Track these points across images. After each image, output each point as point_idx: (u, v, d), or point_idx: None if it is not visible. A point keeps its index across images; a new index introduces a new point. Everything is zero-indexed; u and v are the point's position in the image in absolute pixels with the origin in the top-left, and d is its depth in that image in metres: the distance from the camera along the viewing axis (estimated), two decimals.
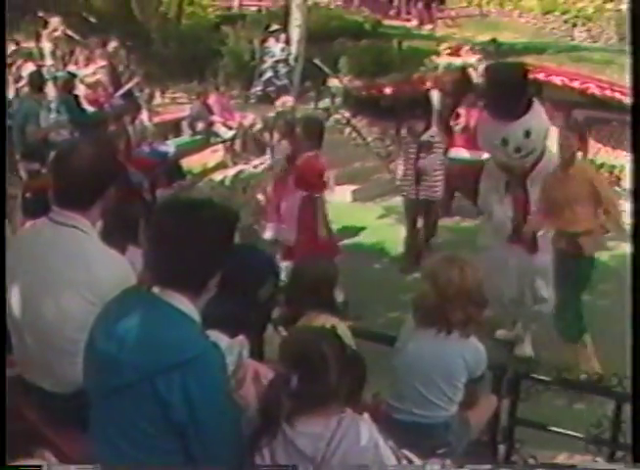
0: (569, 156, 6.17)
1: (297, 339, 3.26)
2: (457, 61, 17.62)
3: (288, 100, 15.31)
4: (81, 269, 3.18)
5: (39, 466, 2.71)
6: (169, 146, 12.58)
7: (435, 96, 15.01)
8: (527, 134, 6.00)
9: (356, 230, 11.29)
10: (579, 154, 6.62)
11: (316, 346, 2.95)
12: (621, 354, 7.31)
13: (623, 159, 13.65)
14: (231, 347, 3.13)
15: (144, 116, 13.50)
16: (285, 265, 7.76)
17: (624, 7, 30.94)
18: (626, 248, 11.58)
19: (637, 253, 2.82)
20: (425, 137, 9.71)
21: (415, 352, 4.02)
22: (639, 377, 2.69)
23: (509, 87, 5.90)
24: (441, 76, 16.54)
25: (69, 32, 15.82)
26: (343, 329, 4.01)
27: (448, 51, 17.65)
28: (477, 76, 17.41)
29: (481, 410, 4.39)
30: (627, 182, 13.35)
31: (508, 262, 6.97)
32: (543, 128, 6.17)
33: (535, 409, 5.06)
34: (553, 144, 6.41)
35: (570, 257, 6.41)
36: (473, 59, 17.82)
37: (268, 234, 9.42)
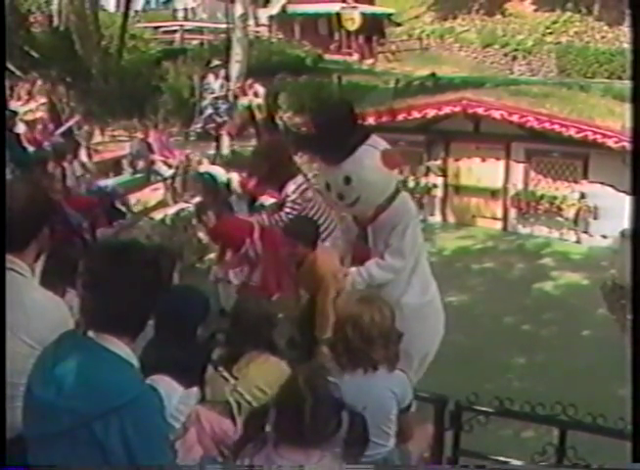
0: None
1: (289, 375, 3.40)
2: (244, 100, 18.36)
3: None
4: (19, 313, 3.14)
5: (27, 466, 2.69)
6: (110, 185, 12.46)
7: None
8: (347, 181, 5.44)
9: None
10: None
11: (296, 385, 3.04)
12: (565, 382, 7.43)
13: (564, 190, 13.90)
14: (188, 396, 3.17)
15: (84, 154, 13.39)
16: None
17: (564, 39, 31.70)
18: (571, 277, 11.72)
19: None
20: None
21: (346, 396, 3.99)
22: (639, 377, 2.73)
23: (330, 129, 5.34)
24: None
25: (11, 67, 15.56)
26: (284, 368, 4.03)
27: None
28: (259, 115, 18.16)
29: (419, 440, 4.40)
30: (570, 213, 13.63)
31: None
32: (370, 175, 5.47)
33: (480, 440, 5.08)
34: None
35: None
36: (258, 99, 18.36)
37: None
